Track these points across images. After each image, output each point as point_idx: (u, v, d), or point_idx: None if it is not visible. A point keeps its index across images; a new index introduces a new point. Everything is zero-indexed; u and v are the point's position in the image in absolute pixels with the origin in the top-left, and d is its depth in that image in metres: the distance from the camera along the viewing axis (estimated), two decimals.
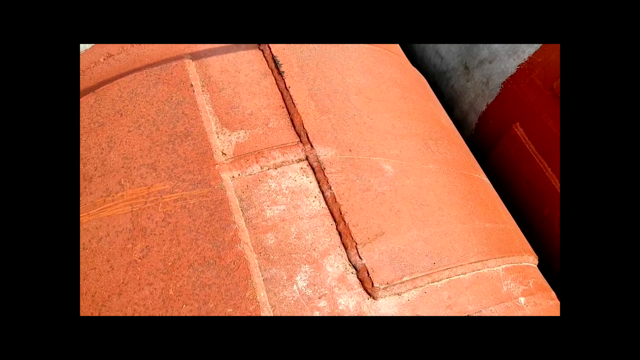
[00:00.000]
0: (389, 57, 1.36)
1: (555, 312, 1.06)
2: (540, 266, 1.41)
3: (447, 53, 2.09)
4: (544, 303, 1.04)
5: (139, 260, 0.89)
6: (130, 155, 1.01)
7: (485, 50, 1.86)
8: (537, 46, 1.66)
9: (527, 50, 1.69)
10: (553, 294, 1.16)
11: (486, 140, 1.94)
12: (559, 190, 1.60)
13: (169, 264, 0.87)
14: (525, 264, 1.11)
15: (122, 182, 0.98)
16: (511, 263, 1.05)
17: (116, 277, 0.88)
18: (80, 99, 1.14)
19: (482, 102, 1.92)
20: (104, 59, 1.19)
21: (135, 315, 0.84)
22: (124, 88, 1.10)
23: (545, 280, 1.21)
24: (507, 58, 1.77)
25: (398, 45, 1.68)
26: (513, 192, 1.83)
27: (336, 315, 0.82)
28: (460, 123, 2.12)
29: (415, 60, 2.41)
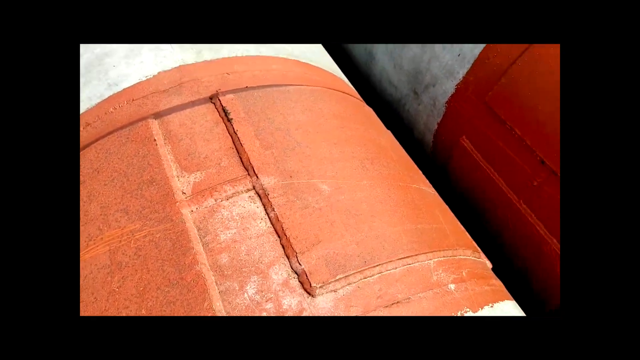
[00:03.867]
0: (329, 94, 1.57)
1: (490, 296, 1.19)
2: (495, 254, 1.54)
3: (399, 82, 2.31)
4: (477, 288, 1.18)
5: (117, 290, 1.05)
6: (106, 204, 1.20)
7: (428, 75, 2.08)
8: (467, 67, 1.86)
9: (461, 71, 1.89)
10: (493, 281, 1.30)
11: (442, 154, 2.12)
12: (506, 192, 1.76)
13: (141, 289, 1.04)
14: (461, 257, 1.26)
15: (101, 227, 1.16)
16: (443, 257, 1.19)
17: (99, 306, 1.05)
18: None
19: (434, 122, 2.11)
20: (84, 128, 1.41)
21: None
22: (100, 149, 1.31)
23: (487, 271, 1.34)
24: (446, 80, 1.98)
25: (344, 82, 1.88)
26: (471, 198, 1.99)
27: (281, 314, 0.97)
28: (420, 142, 2.31)
29: (376, 91, 2.63)
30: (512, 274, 1.85)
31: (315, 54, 1.86)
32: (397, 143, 1.71)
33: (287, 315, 0.97)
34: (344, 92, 1.71)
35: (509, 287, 1.71)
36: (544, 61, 1.60)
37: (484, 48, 1.78)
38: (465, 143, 1.92)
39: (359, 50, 2.60)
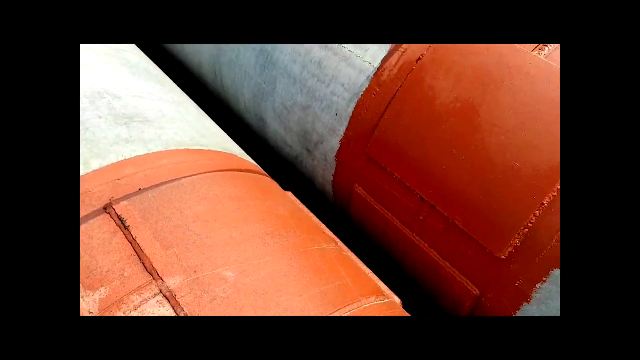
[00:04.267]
0: (222, 177, 1.67)
1: None
2: (407, 285, 1.70)
3: (292, 142, 2.48)
4: None
5: None
6: None
7: (314, 135, 2.27)
8: (345, 124, 2.08)
9: (341, 128, 2.10)
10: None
11: (342, 201, 2.30)
12: (400, 228, 1.96)
13: None
14: (366, 305, 1.40)
15: None
16: (349, 311, 1.32)
17: None
18: None
19: (329, 174, 2.29)
20: None
21: None
22: None
23: (394, 309, 1.49)
24: (331, 137, 2.18)
25: (238, 157, 2.00)
26: (374, 236, 2.17)
27: None
28: (322, 192, 2.47)
29: (274, 149, 2.79)
30: (426, 300, 2.04)
31: (205, 137, 1.96)
32: (297, 205, 1.85)
33: None
34: (238, 170, 1.82)
35: (426, 314, 1.89)
36: (404, 114, 1.85)
37: (355, 106, 2.01)
38: (359, 190, 2.11)
39: (250, 117, 2.76)
